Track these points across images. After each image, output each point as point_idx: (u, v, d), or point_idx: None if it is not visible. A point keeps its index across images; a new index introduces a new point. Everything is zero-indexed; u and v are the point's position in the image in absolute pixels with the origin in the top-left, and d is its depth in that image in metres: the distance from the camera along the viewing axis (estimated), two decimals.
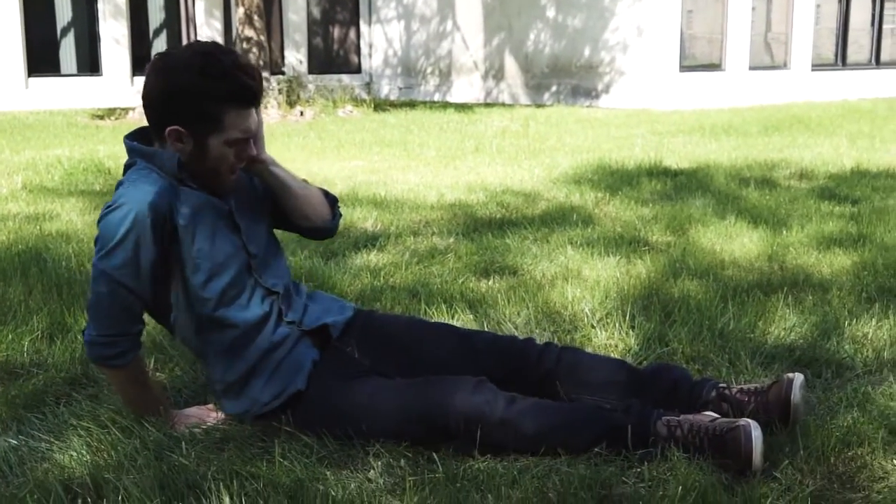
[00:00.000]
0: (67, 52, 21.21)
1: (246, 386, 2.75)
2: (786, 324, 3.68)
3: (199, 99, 2.53)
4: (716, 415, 2.58)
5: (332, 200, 2.98)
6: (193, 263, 2.64)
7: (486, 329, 3.64)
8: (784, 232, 5.42)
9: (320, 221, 2.92)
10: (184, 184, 2.64)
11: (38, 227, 5.92)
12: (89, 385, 3.19)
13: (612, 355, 3.30)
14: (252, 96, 2.58)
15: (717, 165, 8.62)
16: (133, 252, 2.55)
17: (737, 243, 5.15)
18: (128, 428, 2.73)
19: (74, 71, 21.15)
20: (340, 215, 3.01)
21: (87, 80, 20.78)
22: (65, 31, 21.20)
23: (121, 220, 2.54)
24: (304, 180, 2.94)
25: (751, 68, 19.95)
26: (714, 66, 19.65)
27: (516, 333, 3.62)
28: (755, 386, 2.72)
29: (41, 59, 20.70)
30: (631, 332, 3.60)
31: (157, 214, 2.55)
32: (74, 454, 2.61)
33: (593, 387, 2.74)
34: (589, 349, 3.44)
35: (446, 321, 3.63)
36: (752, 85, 19.68)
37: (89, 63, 21.22)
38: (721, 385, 2.75)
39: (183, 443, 2.63)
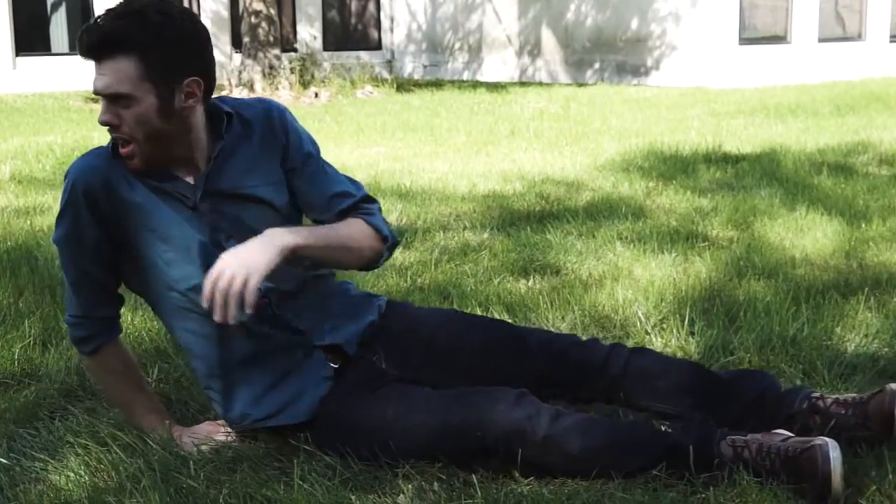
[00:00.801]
0: (58, 28, 21.36)
1: (234, 388, 2.75)
2: (867, 329, 3.64)
3: None
4: (788, 433, 2.54)
5: (384, 237, 2.82)
6: (148, 245, 2.66)
7: None
8: (863, 225, 5.37)
9: (356, 267, 2.89)
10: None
11: (28, 222, 5.96)
12: (86, 398, 3.20)
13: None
14: (80, 50, 2.58)
15: (784, 150, 8.56)
16: (73, 225, 2.64)
17: (809, 238, 5.11)
18: (130, 445, 2.73)
19: (66, 49, 21.29)
20: (390, 254, 2.88)
21: (81, 60, 20.86)
22: (55, 6, 21.35)
23: (64, 189, 2.65)
24: (367, 219, 2.81)
25: (820, 40, 19.82)
26: (778, 38, 19.52)
27: None
28: (853, 396, 2.67)
29: (30, 37, 20.86)
30: (690, 338, 3.57)
31: (89, 186, 2.60)
32: (71, 475, 2.61)
33: (662, 394, 2.69)
34: None
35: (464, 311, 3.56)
36: (821, 59, 19.54)
37: None
38: (814, 395, 2.68)
39: (191, 462, 2.63)
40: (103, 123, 2.57)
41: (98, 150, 2.69)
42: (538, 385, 2.65)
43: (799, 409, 2.65)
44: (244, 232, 2.68)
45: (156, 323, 3.81)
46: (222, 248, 2.66)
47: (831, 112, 12.31)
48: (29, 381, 3.34)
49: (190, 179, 2.68)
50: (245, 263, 2.45)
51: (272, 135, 2.78)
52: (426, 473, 2.56)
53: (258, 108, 2.81)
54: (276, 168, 2.78)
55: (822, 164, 7.68)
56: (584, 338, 2.92)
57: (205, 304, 2.45)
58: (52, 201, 6.70)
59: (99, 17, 2.55)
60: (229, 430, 2.83)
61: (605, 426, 2.59)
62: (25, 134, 11.34)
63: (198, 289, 2.63)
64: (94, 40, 2.53)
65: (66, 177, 2.65)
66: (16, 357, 3.54)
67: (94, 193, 2.60)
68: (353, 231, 2.76)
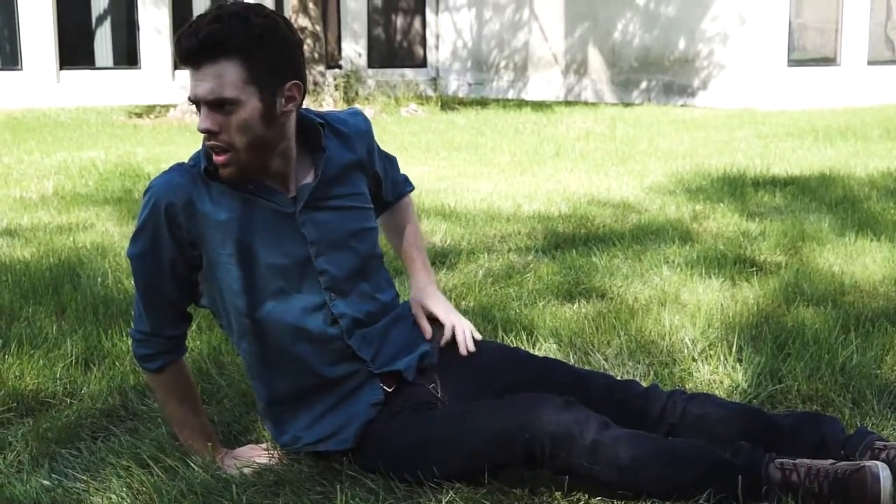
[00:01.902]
0: (103, 42, 21.58)
1: (294, 413, 2.77)
2: None
3: None
4: (835, 459, 2.52)
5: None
6: (225, 268, 2.66)
7: (572, 361, 3.61)
8: None
9: None
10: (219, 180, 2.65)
11: (70, 239, 6.01)
12: (128, 418, 3.22)
13: (742, 401, 3.19)
14: (181, 56, 2.54)
15: (833, 174, 8.50)
16: (151, 242, 2.64)
17: (859, 264, 5.06)
18: (172, 468, 2.75)
19: (110, 63, 21.51)
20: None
21: (125, 74, 21.12)
22: (100, 20, 21.58)
23: (144, 204, 2.64)
24: (409, 193, 3.20)
25: (869, 63, 19.68)
26: (827, 60, 19.41)
27: (606, 366, 3.59)
28: None
29: (74, 51, 21.08)
30: (738, 366, 3.55)
31: (171, 204, 2.60)
32: (113, 497, 2.62)
33: (723, 441, 2.65)
34: (689, 385, 3.41)
35: (527, 350, 3.58)
36: (871, 81, 19.40)
37: (127, 55, 21.57)
38: (876, 445, 2.61)
39: (233, 486, 2.63)
40: (204, 131, 2.55)
41: (181, 167, 2.68)
42: None
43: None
44: (333, 247, 2.72)
45: (199, 342, 3.83)
46: (311, 266, 2.68)
47: (881, 135, 12.21)
48: (71, 401, 3.36)
49: (285, 191, 2.68)
50: (459, 317, 3.05)
51: (365, 152, 2.87)
52: (470, 500, 2.56)
53: (354, 124, 2.87)
54: (363, 179, 2.86)
55: (872, 188, 7.63)
56: (644, 383, 2.90)
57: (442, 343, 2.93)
58: (95, 218, 6.76)
59: (193, 22, 2.52)
60: (271, 452, 2.84)
61: (653, 439, 2.57)
62: (68, 149, 11.45)
63: (273, 318, 2.67)
64: (194, 44, 2.49)
65: (146, 192, 2.64)
66: (58, 376, 3.56)
67: (175, 212, 2.60)
68: (416, 222, 3.19)
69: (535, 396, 2.60)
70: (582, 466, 2.48)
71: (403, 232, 3.14)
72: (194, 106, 2.59)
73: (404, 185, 3.16)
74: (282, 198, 2.67)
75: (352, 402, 2.74)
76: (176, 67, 21.10)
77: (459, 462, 2.59)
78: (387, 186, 3.05)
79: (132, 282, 2.76)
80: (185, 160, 2.74)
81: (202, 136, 2.59)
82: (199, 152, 2.70)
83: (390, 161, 3.09)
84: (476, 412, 2.64)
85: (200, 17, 2.53)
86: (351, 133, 2.83)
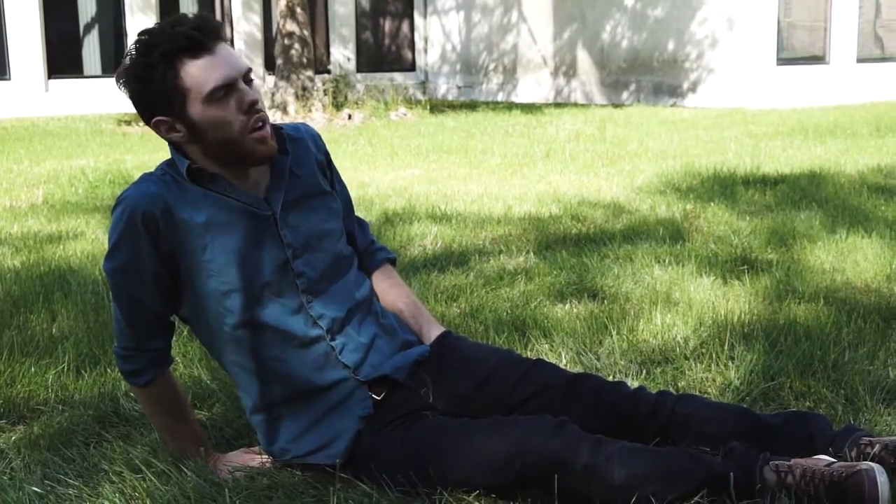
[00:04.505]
0: (91, 50, 21.55)
1: (281, 421, 2.76)
2: None
3: (147, 77, 2.56)
4: (832, 459, 2.52)
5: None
6: (206, 274, 2.64)
7: (564, 361, 3.62)
8: None
9: None
10: (204, 186, 2.64)
11: (61, 247, 6.01)
12: (120, 424, 3.22)
13: (730, 401, 3.21)
14: (190, 41, 2.52)
15: (823, 172, 8.52)
16: (132, 254, 2.61)
17: (850, 261, 5.07)
18: (164, 473, 2.74)
19: (99, 72, 21.48)
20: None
21: (113, 82, 21.04)
22: (88, 28, 21.55)
23: (118, 218, 2.61)
24: (390, 259, 3.13)
25: (859, 61, 19.72)
26: (816, 59, 19.45)
27: (598, 366, 3.59)
28: None
29: (62, 59, 21.04)
30: (730, 363, 3.56)
31: (148, 216, 2.57)
32: (107, 502, 2.62)
33: (712, 440, 2.66)
34: (682, 383, 3.41)
35: (519, 352, 3.59)
36: (860, 79, 19.44)
37: (115, 63, 21.53)
38: (863, 440, 2.63)
39: (226, 490, 2.63)
40: (256, 102, 2.59)
41: (151, 176, 2.66)
42: (587, 431, 2.61)
43: (847, 456, 2.61)
44: (307, 249, 2.72)
45: (189, 348, 3.83)
46: (289, 268, 2.68)
47: (870, 133, 12.24)
48: (63, 408, 3.36)
49: (256, 193, 2.69)
50: None
51: (318, 154, 2.88)
52: (464, 502, 2.56)
53: (303, 130, 2.89)
54: (325, 182, 2.87)
55: (863, 185, 7.64)
56: (636, 382, 2.90)
57: None
58: (85, 226, 6.75)
59: (169, 23, 2.56)
60: (264, 457, 2.83)
61: (647, 454, 2.55)
62: (58, 157, 11.44)
63: (255, 324, 2.67)
64: (203, 26, 2.54)
65: (118, 204, 2.61)
66: (49, 383, 3.56)
67: (154, 221, 2.58)
68: (404, 287, 3.11)
69: (527, 421, 2.59)
70: (576, 490, 2.48)
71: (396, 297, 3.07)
72: (211, 102, 2.56)
73: (383, 252, 3.13)
74: (256, 200, 2.67)
75: (340, 414, 2.73)
76: None
77: (452, 481, 2.59)
78: (358, 231, 3.07)
79: (111, 292, 2.72)
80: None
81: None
82: (166, 161, 2.69)
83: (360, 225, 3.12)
84: (467, 434, 2.62)
85: (174, 19, 2.57)
86: (305, 137, 2.86)
